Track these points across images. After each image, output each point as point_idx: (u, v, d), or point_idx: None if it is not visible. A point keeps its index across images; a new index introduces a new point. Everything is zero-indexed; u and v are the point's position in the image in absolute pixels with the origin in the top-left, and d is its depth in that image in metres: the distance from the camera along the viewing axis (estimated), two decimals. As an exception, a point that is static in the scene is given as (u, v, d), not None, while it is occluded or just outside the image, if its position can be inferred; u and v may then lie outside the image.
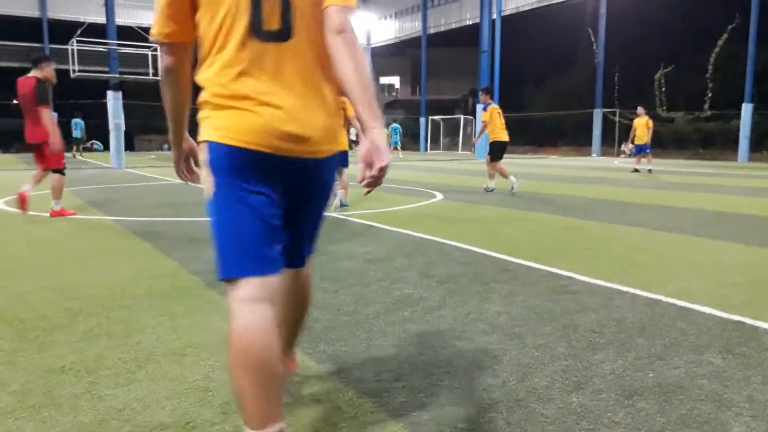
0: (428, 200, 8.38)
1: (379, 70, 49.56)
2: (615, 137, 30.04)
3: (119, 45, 16.21)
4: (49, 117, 6.22)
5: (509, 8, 33.26)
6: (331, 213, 6.82)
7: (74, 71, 15.89)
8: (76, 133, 24.51)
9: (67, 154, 26.23)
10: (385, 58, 49.85)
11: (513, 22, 33.50)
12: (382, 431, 1.86)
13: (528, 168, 18.12)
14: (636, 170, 15.47)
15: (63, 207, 6.63)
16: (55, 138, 6.22)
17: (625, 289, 3.50)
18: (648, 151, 15.29)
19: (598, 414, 1.96)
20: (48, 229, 5.84)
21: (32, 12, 31.87)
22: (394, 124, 29.89)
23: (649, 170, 15.15)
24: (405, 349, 2.55)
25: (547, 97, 39.46)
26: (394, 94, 61.95)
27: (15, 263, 4.26)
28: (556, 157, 28.99)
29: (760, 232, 5.70)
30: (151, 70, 16.98)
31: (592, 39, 29.52)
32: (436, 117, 39.24)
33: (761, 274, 3.95)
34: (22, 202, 6.41)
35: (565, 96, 37.39)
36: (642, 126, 15.25)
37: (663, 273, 3.94)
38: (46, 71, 6.43)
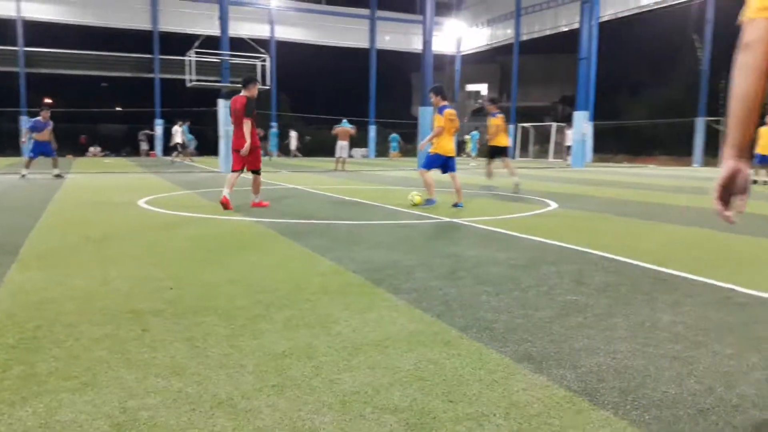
0: (543, 208, 8.35)
1: (466, 78, 49.39)
2: (718, 147, 28.48)
3: (232, 56, 17.11)
4: (249, 127, 7.76)
5: (607, 14, 32.36)
6: (452, 219, 6.96)
7: (191, 81, 16.94)
8: (183, 138, 25.96)
9: (168, 158, 28.12)
10: (473, 65, 49.66)
11: (610, 29, 32.58)
12: (605, 427, 1.95)
13: (629, 177, 17.54)
14: (754, 181, 14.59)
15: (261, 199, 8.20)
16: (250, 143, 7.76)
17: (798, 303, 3.42)
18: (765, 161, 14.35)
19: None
20: (200, 227, 6.32)
21: (144, 25, 34.05)
22: (474, 132, 29.68)
23: (766, 182, 14.30)
24: (593, 352, 2.62)
25: (644, 104, 37.99)
26: (480, 101, 61.54)
27: (187, 258, 4.66)
28: (654, 167, 27.83)
29: None
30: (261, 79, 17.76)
31: (697, 45, 28.18)
32: (526, 124, 38.65)
33: None
34: (225, 204, 7.56)
35: (662, 104, 35.88)
36: (766, 134, 14.28)
37: (832, 289, 3.80)
38: (253, 91, 7.85)
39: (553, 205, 8.83)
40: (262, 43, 33.33)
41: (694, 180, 16.81)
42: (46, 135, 13.53)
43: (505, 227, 6.29)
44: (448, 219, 7.00)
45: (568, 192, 11.46)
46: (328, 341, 2.72)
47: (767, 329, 2.96)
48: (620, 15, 32.01)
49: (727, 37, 22.85)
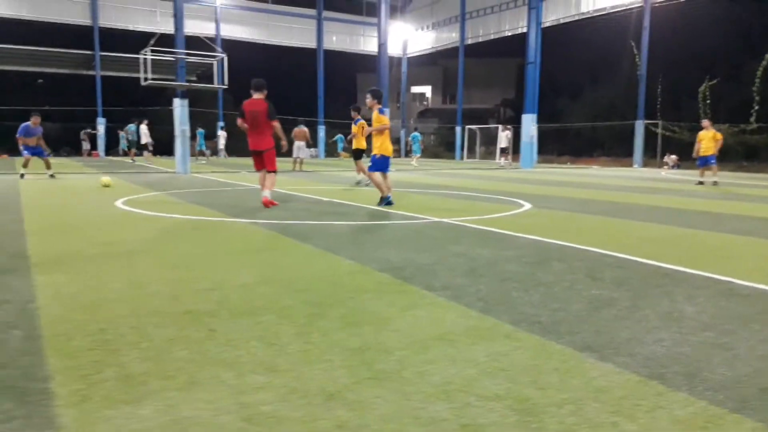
0: (519, 208, 8.69)
1: (411, 80, 50.00)
2: (657, 149, 30.02)
3: (187, 54, 16.78)
4: (280, 128, 8.29)
5: (549, 20, 33.54)
6: (440, 219, 7.17)
7: (146, 79, 16.50)
8: (133, 137, 25.22)
9: (124, 159, 27.23)
10: (417, 68, 50.35)
11: (552, 34, 33.76)
12: (689, 406, 2.17)
13: (580, 177, 18.32)
14: (701, 182, 15.59)
15: (269, 197, 8.34)
16: (284, 143, 8.47)
17: (794, 293, 3.79)
18: (713, 162, 15.42)
19: None
20: (199, 230, 6.27)
21: (83, 20, 32.78)
22: (415, 133, 29.90)
23: (715, 182, 15.34)
24: (641, 341, 2.86)
25: (584, 108, 39.58)
26: (425, 103, 62.42)
27: (207, 260, 4.66)
28: (597, 168, 29.06)
29: None
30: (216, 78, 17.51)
31: (635, 51, 29.61)
32: (473, 126, 39.48)
33: None
34: (269, 203, 8.14)
35: (602, 107, 37.51)
36: (708, 138, 15.37)
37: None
38: (265, 93, 8.25)
39: (527, 205, 9.19)
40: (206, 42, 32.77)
41: (642, 180, 17.72)
42: (34, 140, 13.77)
43: (495, 226, 6.55)
44: (436, 219, 7.21)
45: (534, 192, 11.90)
46: (395, 337, 2.85)
47: (778, 317, 3.29)
48: (562, 21, 33.27)
49: (662, 43, 24.20)
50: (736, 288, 3.94)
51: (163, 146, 31.43)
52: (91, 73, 32.73)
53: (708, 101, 28.84)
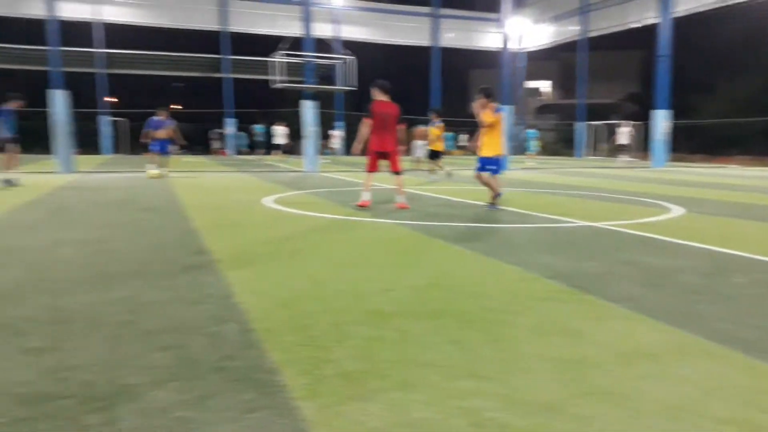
0: (669, 212, 8.21)
1: (527, 75, 48.79)
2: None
3: (316, 57, 17.41)
4: (403, 131, 8.62)
5: (682, 9, 31.38)
6: (590, 223, 6.93)
7: (278, 82, 17.33)
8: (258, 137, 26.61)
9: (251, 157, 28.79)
10: (534, 62, 49.04)
11: (682, 25, 31.58)
12: None
13: (723, 178, 16.97)
14: None
15: (404, 201, 8.42)
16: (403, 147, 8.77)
17: None
18: None
19: None
20: (351, 230, 6.51)
21: (212, 26, 34.87)
22: (531, 130, 28.97)
23: None
24: None
25: (719, 103, 36.70)
26: (541, 98, 60.73)
27: (370, 260, 4.82)
28: (737, 167, 26.86)
29: None
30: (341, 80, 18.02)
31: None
32: (594, 122, 37.88)
33: None
34: (403, 206, 8.26)
35: (740, 102, 34.60)
36: None
37: None
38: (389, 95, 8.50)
39: (678, 208, 8.67)
40: (327, 43, 33.81)
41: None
42: (164, 133, 14.33)
43: (654, 232, 6.24)
44: (583, 223, 6.98)
45: (678, 194, 11.20)
46: (595, 350, 2.79)
47: None
48: (695, 11, 31.00)
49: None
50: None
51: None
52: (218, 75, 34.76)
53: None
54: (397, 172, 8.58)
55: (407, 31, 40.56)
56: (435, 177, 14.81)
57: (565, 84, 57.36)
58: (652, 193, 11.44)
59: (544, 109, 56.97)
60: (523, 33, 42.81)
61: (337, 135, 33.61)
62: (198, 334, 2.93)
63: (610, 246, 5.53)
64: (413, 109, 39.63)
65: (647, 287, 3.96)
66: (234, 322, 3.12)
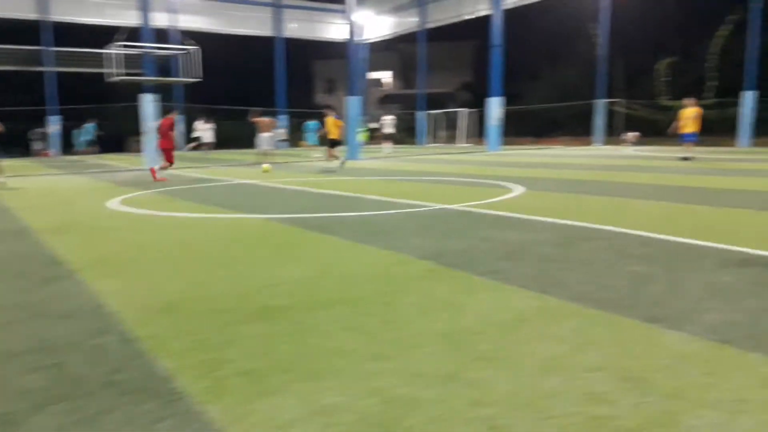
0: (514, 192, 8.94)
1: (369, 66, 49.94)
2: (614, 128, 30.89)
3: (156, 48, 16.45)
4: None
5: (510, 2, 33.95)
6: (445, 206, 7.35)
7: (115, 75, 16.09)
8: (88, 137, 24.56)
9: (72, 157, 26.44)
10: (375, 53, 50.33)
11: (509, 17, 34.20)
12: (764, 366, 2.41)
13: (552, 158, 18.78)
14: (685, 158, 16.20)
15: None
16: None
17: (809, 259, 4.11)
18: (692, 139, 16.20)
19: None
20: (218, 228, 6.28)
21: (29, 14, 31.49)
22: (311, 122, 26.84)
23: (686, 158, 16.11)
24: (705, 310, 3.10)
25: (543, 89, 40.31)
26: (383, 88, 62.48)
27: (248, 257, 4.72)
28: (560, 147, 29.76)
29: None
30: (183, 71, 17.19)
31: (594, 32, 30.34)
32: (435, 111, 39.81)
33: None
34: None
35: (561, 88, 38.27)
36: (689, 115, 16.26)
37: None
38: None
39: (519, 187, 9.46)
40: (163, 34, 31.95)
41: (613, 158, 18.30)
42: None
43: (504, 210, 6.78)
44: (441, 206, 7.38)
45: (518, 175, 12.20)
46: (478, 320, 3.01)
47: (805, 282, 3.59)
48: (523, 3, 33.70)
49: (620, 23, 24.85)
50: (756, 258, 4.25)
51: (114, 144, 30.91)
52: (39, 69, 31.40)
53: (668, 78, 29.79)
54: None
55: (250, 21, 39.60)
56: (332, 166, 15.61)
57: (405, 74, 59.52)
58: (493, 175, 12.36)
59: (386, 99, 58.69)
60: (365, 24, 43.69)
61: (206, 127, 30.81)
62: (75, 351, 2.71)
63: (468, 225, 5.93)
64: (259, 101, 38.85)
65: (509, 260, 4.32)
66: (112, 333, 2.93)
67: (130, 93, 19.71)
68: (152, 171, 13.01)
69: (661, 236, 5.06)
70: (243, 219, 6.83)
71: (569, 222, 5.90)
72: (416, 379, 2.34)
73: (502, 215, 6.50)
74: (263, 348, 2.70)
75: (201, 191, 10.29)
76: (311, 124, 27.26)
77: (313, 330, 2.93)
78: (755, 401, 2.10)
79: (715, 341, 2.67)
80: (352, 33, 20.58)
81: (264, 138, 19.19)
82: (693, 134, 16.28)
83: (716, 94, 27.74)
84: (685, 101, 16.75)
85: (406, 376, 2.37)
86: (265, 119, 19.56)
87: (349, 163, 19.33)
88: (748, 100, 24.66)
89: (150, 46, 15.58)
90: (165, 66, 20.21)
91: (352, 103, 20.81)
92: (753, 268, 3.93)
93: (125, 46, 15.68)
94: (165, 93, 35.53)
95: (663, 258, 4.29)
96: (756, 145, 25.19)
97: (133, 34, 16.84)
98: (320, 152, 26.43)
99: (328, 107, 17.28)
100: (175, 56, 17.63)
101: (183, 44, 17.28)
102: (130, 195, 9.72)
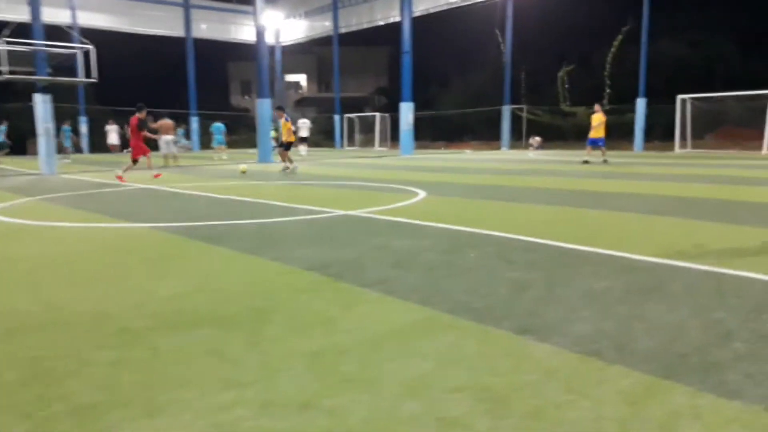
0: (417, 197, 8.96)
1: (285, 69, 49.31)
2: (522, 132, 32.03)
3: (47, 46, 15.40)
4: None
5: (419, 9, 34.48)
6: (347, 212, 7.23)
7: (1, 73, 14.89)
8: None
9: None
10: (291, 56, 49.78)
11: (421, 23, 34.77)
12: (627, 378, 2.43)
13: (459, 162, 19.16)
14: (586, 161, 17.24)
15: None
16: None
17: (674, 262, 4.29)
18: (602, 144, 17.49)
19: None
20: (97, 239, 5.85)
21: None
22: (217, 123, 26.53)
23: (605, 160, 17.53)
24: (571, 320, 3.12)
25: (455, 95, 41.27)
26: (300, 91, 61.84)
27: (120, 272, 4.38)
28: (470, 151, 30.50)
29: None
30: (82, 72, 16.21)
31: (500, 40, 31.33)
32: (352, 114, 39.80)
33: (763, 247, 4.90)
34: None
35: (471, 94, 39.31)
36: (599, 121, 17.60)
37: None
38: None
39: (422, 192, 9.49)
40: (64, 32, 30.04)
41: (519, 163, 18.87)
42: None
43: (402, 216, 6.73)
44: (343, 212, 7.25)
45: (425, 180, 12.29)
46: (348, 338, 2.89)
47: (675, 286, 3.72)
48: (432, 11, 34.32)
49: (525, 31, 25.88)
50: (632, 263, 4.39)
51: (18, 146, 28.73)
52: None
53: (566, 86, 31.21)
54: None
55: (158, 20, 38.05)
56: (289, 168, 15.58)
57: (322, 78, 59.24)
58: (401, 179, 12.39)
59: (303, 102, 58.17)
60: (278, 27, 43.06)
61: (112, 129, 28.84)
62: None
63: (364, 232, 5.83)
64: (170, 103, 37.32)
65: (396, 269, 4.25)
66: (-66, 367, 2.58)
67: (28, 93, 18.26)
68: (118, 177, 12.91)
69: (547, 241, 5.16)
70: (126, 229, 6.41)
71: (461, 228, 5.92)
72: (269, 409, 2.17)
73: (399, 221, 6.45)
74: (107, 379, 2.45)
75: (94, 198, 9.66)
76: (218, 125, 26.60)
77: (169, 356, 2.70)
78: (612, 419, 2.08)
79: (580, 353, 2.67)
80: (259, 34, 20.13)
81: (165, 141, 18.47)
82: (600, 139, 17.36)
83: (611, 101, 29.31)
84: (595, 108, 17.96)
85: (259, 406, 2.20)
86: (165, 122, 18.82)
87: (261, 167, 18.94)
88: (640, 106, 26.22)
89: (37, 44, 14.53)
90: (65, 65, 18.93)
91: (262, 105, 20.40)
92: (630, 275, 4.04)
93: (9, 42, 14.54)
94: (71, 93, 33.56)
95: (545, 264, 4.35)
96: (647, 149, 26.86)
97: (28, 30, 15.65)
98: (227, 154, 25.88)
99: (280, 108, 16.51)
100: (74, 56, 16.50)
101: (82, 43, 16.19)
102: (11, 203, 8.96)
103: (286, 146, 15.84)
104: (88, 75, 15.76)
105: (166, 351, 2.75)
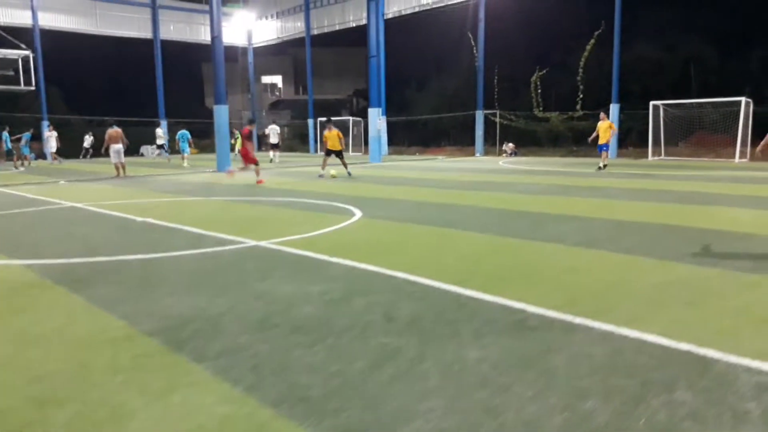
0: (351, 219, 8.42)
1: (260, 70, 48.61)
2: (496, 137, 31.59)
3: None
4: None
5: (391, 12, 34.00)
6: (258, 242, 6.68)
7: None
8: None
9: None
10: (266, 57, 49.07)
11: (396, 26, 34.28)
12: None
13: (424, 172, 18.65)
14: (600, 167, 18.01)
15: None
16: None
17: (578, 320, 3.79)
18: (605, 149, 18.21)
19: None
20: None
21: None
22: (182, 131, 26.24)
23: (604, 165, 18.09)
24: (410, 416, 2.60)
25: (430, 98, 40.73)
26: (277, 93, 61.06)
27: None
28: (443, 157, 30.03)
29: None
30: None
31: (473, 43, 30.91)
32: (324, 118, 39.14)
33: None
34: None
35: (446, 98, 38.82)
36: (604, 128, 18.13)
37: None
38: None
39: (358, 213, 8.96)
40: (22, 33, 29.17)
41: (484, 173, 18.41)
42: None
43: (315, 249, 6.17)
44: (254, 243, 6.69)
45: (372, 195, 11.77)
46: (123, 450, 2.35)
47: (558, 357, 3.21)
48: (403, 13, 33.83)
49: (498, 34, 25.44)
50: (527, 318, 3.88)
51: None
52: None
53: (539, 90, 30.86)
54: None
55: (125, 21, 37.20)
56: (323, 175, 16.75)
57: (298, 79, 58.48)
58: (349, 195, 11.83)
59: (279, 105, 57.47)
60: (249, 28, 42.39)
61: (51, 136, 28.06)
62: None
63: (255, 273, 5.28)
64: (141, 106, 36.55)
65: (257, 330, 3.71)
66: None
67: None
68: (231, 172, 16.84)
69: (449, 287, 4.64)
70: None
71: (367, 266, 5.38)
72: None
73: (306, 256, 5.90)
74: None
75: (5, 220, 9.00)
76: (183, 133, 25.99)
77: None
78: None
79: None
80: (215, 38, 19.54)
81: (114, 150, 17.85)
82: (605, 144, 18.16)
83: (583, 107, 28.99)
84: (601, 115, 18.51)
85: None
86: (113, 131, 18.20)
87: (213, 176, 18.31)
88: (613, 112, 25.87)
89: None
90: (14, 67, 18.18)
91: (219, 112, 19.81)
92: (514, 338, 3.54)
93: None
94: (26, 100, 32.59)
95: (428, 321, 3.83)
96: (622, 155, 26.54)
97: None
98: (188, 162, 25.19)
99: (329, 121, 18.40)
100: (22, 60, 15.78)
101: (20, 48, 15.50)
102: None
103: (337, 154, 17.40)
104: (27, 82, 15.05)
105: None
